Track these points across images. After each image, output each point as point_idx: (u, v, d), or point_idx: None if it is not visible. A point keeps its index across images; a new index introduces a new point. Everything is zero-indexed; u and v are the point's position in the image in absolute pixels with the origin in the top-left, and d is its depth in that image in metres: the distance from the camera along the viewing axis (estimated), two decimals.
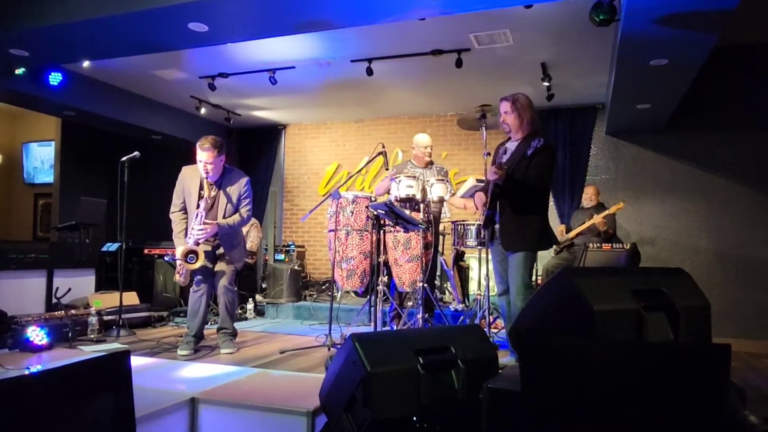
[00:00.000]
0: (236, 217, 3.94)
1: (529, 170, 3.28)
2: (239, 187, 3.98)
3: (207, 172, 3.83)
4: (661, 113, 5.62)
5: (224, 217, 3.91)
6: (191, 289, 4.00)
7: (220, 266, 3.98)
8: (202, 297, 3.96)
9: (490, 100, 3.84)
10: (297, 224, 8.05)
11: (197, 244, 3.80)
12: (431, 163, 4.87)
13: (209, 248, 3.95)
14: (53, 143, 8.32)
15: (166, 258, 3.78)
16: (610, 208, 5.58)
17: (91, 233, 6.29)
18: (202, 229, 3.77)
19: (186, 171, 4.00)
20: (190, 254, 3.76)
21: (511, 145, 3.50)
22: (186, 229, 3.90)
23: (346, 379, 2.01)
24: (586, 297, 1.71)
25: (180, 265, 3.86)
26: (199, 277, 3.96)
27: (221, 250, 3.98)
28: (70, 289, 4.80)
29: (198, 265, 3.78)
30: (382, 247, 4.26)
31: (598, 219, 5.54)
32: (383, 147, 4.44)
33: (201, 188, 3.86)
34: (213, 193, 3.92)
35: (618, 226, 5.90)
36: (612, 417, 1.47)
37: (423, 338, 2.19)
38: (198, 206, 3.82)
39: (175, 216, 4.00)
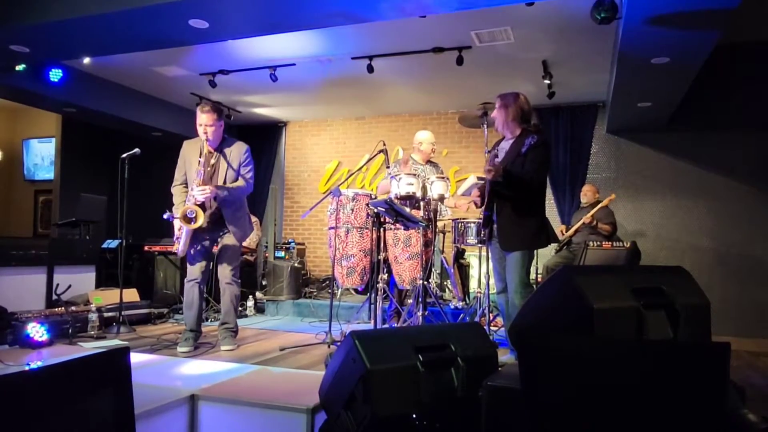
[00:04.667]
0: (237, 183, 3.89)
1: (525, 167, 3.28)
2: (240, 153, 3.93)
3: (206, 135, 3.79)
4: (662, 112, 5.62)
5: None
6: (185, 280, 3.96)
7: (225, 239, 3.92)
8: (194, 288, 3.91)
9: (491, 97, 3.84)
10: (297, 221, 8.05)
11: (197, 204, 3.70)
12: (429, 160, 4.88)
13: (205, 223, 3.79)
14: (53, 140, 8.32)
15: (164, 216, 3.62)
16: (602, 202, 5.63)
17: (91, 230, 6.30)
18: (201, 190, 3.68)
19: (187, 145, 3.98)
20: (190, 210, 3.66)
21: (506, 144, 3.50)
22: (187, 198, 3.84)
23: (345, 377, 2.01)
24: (585, 295, 1.70)
25: (179, 229, 3.77)
26: (193, 257, 3.91)
27: (228, 239, 3.91)
28: (70, 286, 4.80)
29: (199, 223, 3.67)
30: (382, 245, 4.26)
31: (587, 218, 5.55)
32: (384, 144, 4.44)
33: (201, 154, 3.81)
34: (213, 161, 3.88)
35: (618, 224, 5.90)
36: (611, 415, 1.47)
37: (423, 336, 2.19)
38: (198, 174, 3.76)
39: (176, 190, 3.96)
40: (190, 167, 3.88)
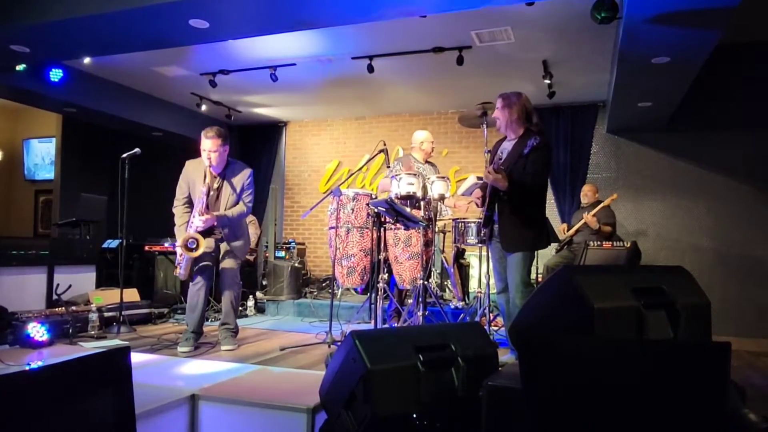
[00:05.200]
0: (237, 209, 3.91)
1: (526, 168, 3.28)
2: (242, 178, 3.96)
3: (210, 161, 3.80)
4: (662, 112, 5.61)
5: (226, 209, 3.90)
6: (190, 283, 3.99)
7: (225, 262, 3.96)
8: (200, 291, 3.93)
9: (491, 97, 3.84)
10: (298, 221, 8.05)
11: (198, 232, 3.75)
12: (428, 160, 4.88)
13: (212, 246, 3.93)
14: (54, 140, 8.33)
15: (166, 244, 3.72)
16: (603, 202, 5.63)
17: (91, 230, 6.30)
18: (202, 220, 3.74)
19: (190, 165, 3.99)
20: (191, 240, 3.71)
21: (508, 145, 3.49)
22: (189, 222, 3.88)
23: (346, 376, 2.01)
24: (586, 295, 1.70)
25: (180, 255, 3.81)
26: (198, 270, 3.94)
27: (226, 247, 3.96)
28: (70, 286, 4.80)
29: (200, 251, 3.72)
30: (382, 245, 4.25)
31: (588, 218, 5.54)
32: (384, 144, 4.43)
33: (205, 179, 3.83)
34: (216, 185, 3.90)
35: (618, 224, 5.90)
36: (612, 415, 1.47)
37: (423, 335, 2.19)
38: (200, 201, 3.79)
39: (177, 210, 3.98)
40: (194, 188, 3.91)
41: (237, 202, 3.95)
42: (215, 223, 3.84)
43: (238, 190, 3.94)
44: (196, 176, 3.90)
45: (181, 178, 4.00)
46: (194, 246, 3.71)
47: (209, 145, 3.78)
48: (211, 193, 3.87)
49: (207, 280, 3.97)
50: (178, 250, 3.83)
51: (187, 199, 3.97)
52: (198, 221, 3.75)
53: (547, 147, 3.36)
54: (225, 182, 3.92)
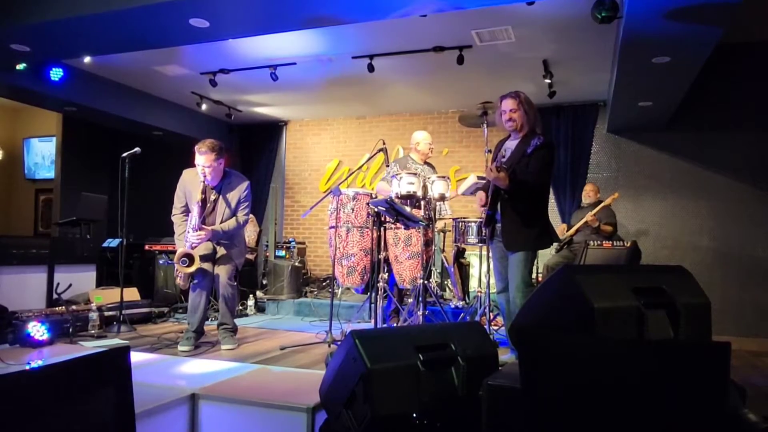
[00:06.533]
0: (231, 222, 3.93)
1: (529, 167, 3.28)
2: (239, 192, 3.97)
3: (205, 176, 3.81)
4: (662, 111, 5.61)
5: (222, 222, 3.92)
6: (191, 285, 4.01)
7: (220, 267, 3.98)
8: (202, 292, 3.96)
9: (491, 97, 3.84)
10: (298, 221, 8.05)
11: (192, 248, 3.79)
12: (426, 161, 4.88)
13: (211, 249, 3.94)
14: (54, 139, 8.33)
15: (161, 261, 3.79)
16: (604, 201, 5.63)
17: (92, 229, 6.30)
18: (197, 236, 3.77)
19: (186, 174, 4.00)
20: (184, 257, 3.75)
21: (511, 144, 3.49)
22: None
23: (346, 376, 2.01)
24: (586, 294, 1.70)
25: (177, 270, 3.88)
26: (199, 273, 3.95)
27: (222, 251, 3.99)
28: (70, 285, 4.80)
29: (193, 268, 3.77)
30: (382, 244, 4.25)
31: (589, 217, 5.54)
32: (384, 144, 4.43)
33: (202, 192, 3.85)
34: (213, 197, 3.92)
35: (619, 224, 5.90)
36: (612, 414, 1.47)
37: (423, 335, 2.19)
38: (196, 217, 3.82)
39: (176, 219, 4.01)
40: (191, 198, 3.92)
41: (231, 215, 3.96)
42: (210, 238, 3.87)
43: (233, 205, 3.95)
44: (192, 187, 3.92)
45: (178, 187, 4.01)
46: (187, 264, 3.76)
47: (203, 160, 3.78)
48: (207, 205, 3.89)
49: (207, 281, 3.98)
50: (175, 264, 3.88)
51: (185, 208, 3.99)
52: (193, 237, 3.77)
53: (551, 146, 3.37)
54: (221, 196, 3.93)
